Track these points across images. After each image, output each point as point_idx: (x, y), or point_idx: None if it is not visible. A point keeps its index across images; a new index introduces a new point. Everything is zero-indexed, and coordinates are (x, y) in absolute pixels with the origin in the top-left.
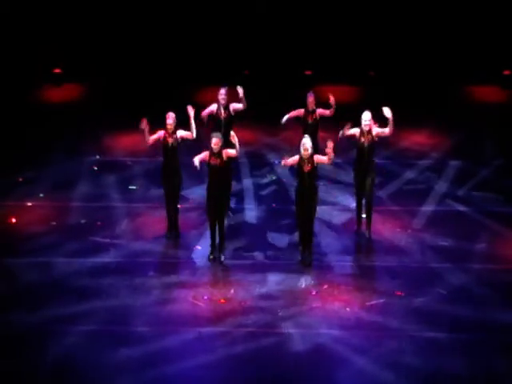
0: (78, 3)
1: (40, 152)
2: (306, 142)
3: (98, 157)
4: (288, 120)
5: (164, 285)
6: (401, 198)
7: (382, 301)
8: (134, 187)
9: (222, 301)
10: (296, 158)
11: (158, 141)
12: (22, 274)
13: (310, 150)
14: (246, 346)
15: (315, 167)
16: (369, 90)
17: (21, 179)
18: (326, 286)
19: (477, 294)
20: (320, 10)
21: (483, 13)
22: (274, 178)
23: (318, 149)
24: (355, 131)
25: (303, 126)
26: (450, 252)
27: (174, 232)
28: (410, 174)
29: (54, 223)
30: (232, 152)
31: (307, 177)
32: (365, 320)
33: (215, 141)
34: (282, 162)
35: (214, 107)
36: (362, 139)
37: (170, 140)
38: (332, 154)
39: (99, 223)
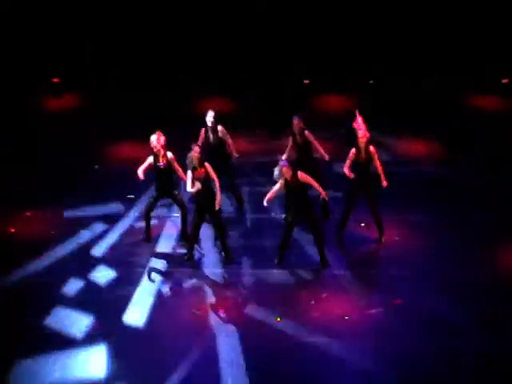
0: (78, 11)
1: (39, 162)
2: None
3: (96, 167)
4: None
5: (164, 293)
6: (400, 207)
7: (381, 309)
8: (133, 196)
9: (221, 310)
10: (277, 186)
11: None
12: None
13: (277, 172)
14: (246, 354)
15: (302, 183)
16: (368, 99)
17: (20, 189)
18: (324, 295)
19: (476, 297)
20: (318, 19)
21: (482, 20)
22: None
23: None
24: (352, 154)
25: (294, 146)
26: (450, 258)
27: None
28: (409, 182)
29: (53, 232)
30: (211, 172)
31: (294, 191)
32: (364, 328)
33: (196, 149)
34: (265, 202)
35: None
36: (360, 156)
37: (162, 162)
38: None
39: (98, 233)
